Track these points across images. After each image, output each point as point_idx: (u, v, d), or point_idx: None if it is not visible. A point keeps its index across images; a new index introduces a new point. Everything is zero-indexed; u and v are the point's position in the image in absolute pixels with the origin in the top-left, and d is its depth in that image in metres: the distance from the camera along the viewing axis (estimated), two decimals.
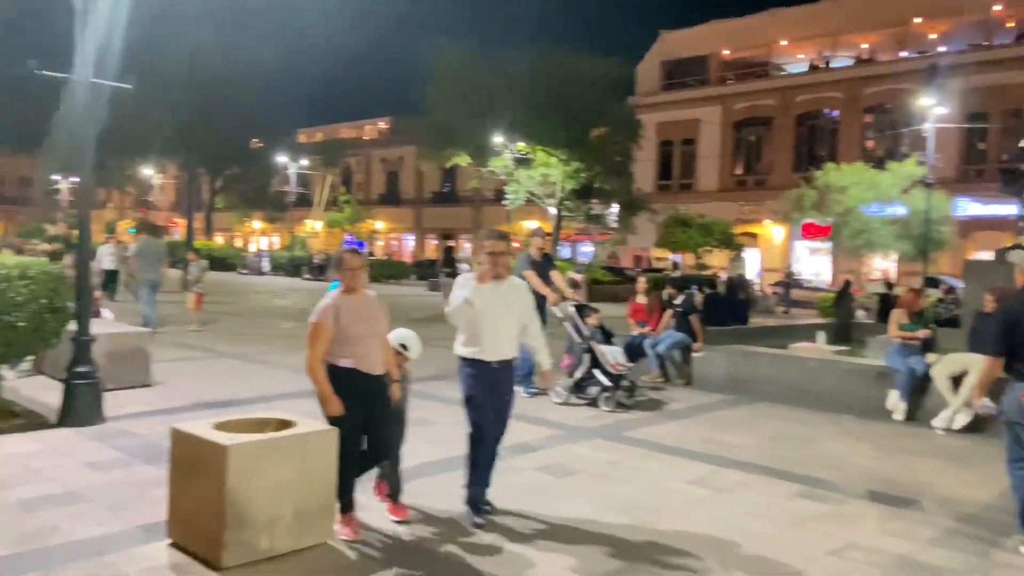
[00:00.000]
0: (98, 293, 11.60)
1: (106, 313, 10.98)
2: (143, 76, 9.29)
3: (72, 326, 7.09)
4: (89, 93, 7.22)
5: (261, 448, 4.20)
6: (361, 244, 30.24)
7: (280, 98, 45.10)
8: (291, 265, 39.00)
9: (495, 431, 4.87)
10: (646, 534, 4.73)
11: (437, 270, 37.45)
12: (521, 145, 30.20)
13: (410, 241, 54.94)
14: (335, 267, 4.59)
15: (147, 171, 50.53)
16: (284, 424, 4.54)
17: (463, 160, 32.20)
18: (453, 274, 23.01)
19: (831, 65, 37.28)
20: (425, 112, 31.84)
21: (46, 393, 7.76)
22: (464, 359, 4.81)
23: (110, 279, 17.14)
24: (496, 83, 28.53)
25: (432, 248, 52.63)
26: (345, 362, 4.43)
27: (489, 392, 4.77)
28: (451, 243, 51.37)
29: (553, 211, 31.63)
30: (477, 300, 4.69)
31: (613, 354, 8.65)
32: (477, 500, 4.83)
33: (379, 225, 53.19)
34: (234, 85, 39.98)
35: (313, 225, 50.14)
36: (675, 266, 32.11)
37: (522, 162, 30.45)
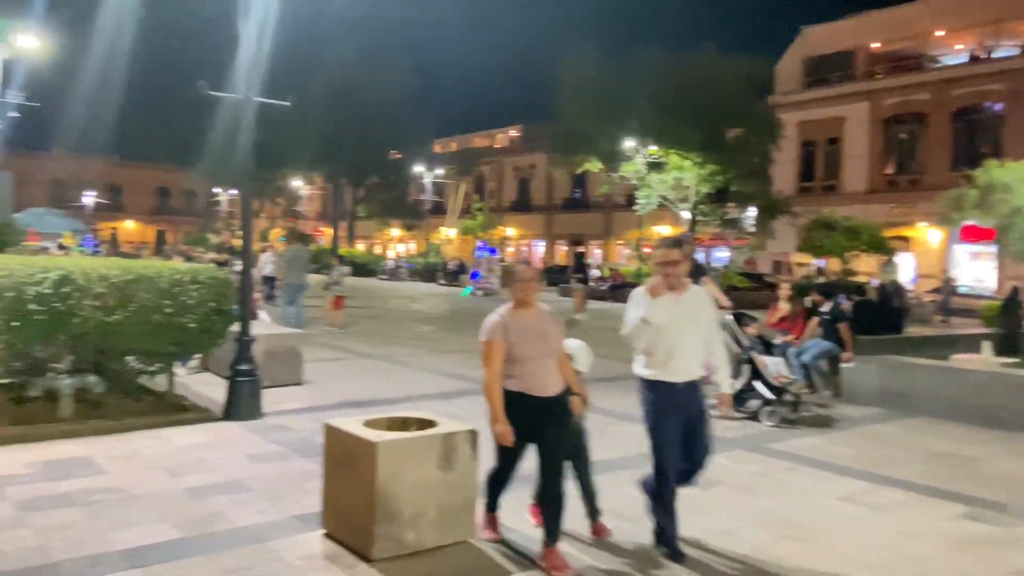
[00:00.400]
0: (256, 295, 12.43)
1: (263, 315, 11.75)
2: (293, 93, 9.89)
3: (235, 327, 7.64)
4: (250, 111, 7.77)
5: (407, 445, 4.35)
6: (493, 251, 30.80)
7: (417, 110, 46.92)
8: (426, 271, 40.28)
9: (695, 456, 4.37)
10: (793, 551, 4.53)
11: (568, 276, 37.55)
12: (653, 149, 29.79)
13: (540, 247, 55.37)
14: (506, 279, 4.36)
15: (296, 182, 53.82)
16: (426, 423, 4.69)
17: (594, 165, 32.13)
18: (584, 280, 23.00)
19: (993, 55, 34.37)
20: (555, 118, 32.03)
21: (211, 389, 8.40)
22: (645, 381, 4.35)
23: (269, 285, 18.44)
24: (627, 86, 28.31)
25: (562, 254, 52.80)
26: (512, 384, 4.15)
27: (675, 417, 4.27)
28: (581, 249, 51.33)
29: (687, 216, 30.95)
30: (654, 317, 4.25)
31: (776, 365, 8.24)
32: (671, 541, 4.35)
33: (510, 232, 53.98)
34: (375, 100, 41.90)
35: (447, 232, 51.60)
36: (819, 271, 30.59)
37: (654, 166, 30.02)
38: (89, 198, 60.49)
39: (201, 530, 4.54)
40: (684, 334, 4.29)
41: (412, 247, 58.34)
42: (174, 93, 34.92)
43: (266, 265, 18.67)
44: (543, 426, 4.15)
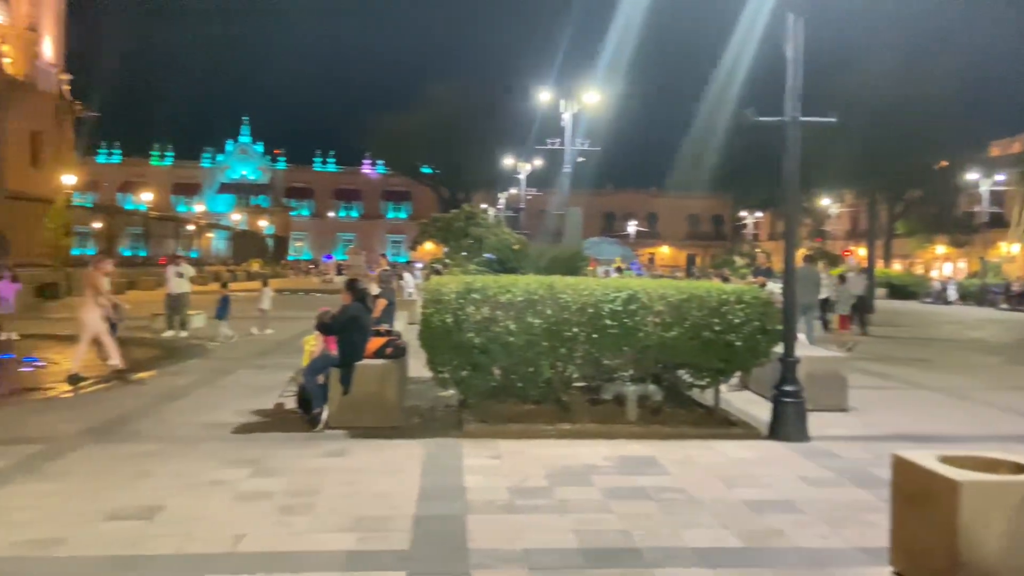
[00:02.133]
0: None
1: (801, 337, 11.58)
2: (831, 108, 9.51)
3: (778, 348, 7.66)
4: (794, 132, 7.73)
5: (998, 490, 3.80)
6: None
7: (969, 110, 41.09)
8: (983, 294, 34.99)
9: None
10: None
11: None
12: None
13: None
14: None
15: (824, 201, 52.08)
16: (1020, 468, 4.02)
17: None
18: None
19: None
20: None
21: (752, 407, 8.60)
22: None
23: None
24: None
25: None
26: None
27: None
28: None
29: None
30: None
31: None
32: None
33: None
34: (920, 104, 38.07)
35: (1009, 248, 44.07)
36: None
37: None
38: (632, 227, 68.11)
39: (762, 543, 4.62)
40: None
41: (962, 266, 51.36)
42: (702, 124, 37.16)
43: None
44: None
